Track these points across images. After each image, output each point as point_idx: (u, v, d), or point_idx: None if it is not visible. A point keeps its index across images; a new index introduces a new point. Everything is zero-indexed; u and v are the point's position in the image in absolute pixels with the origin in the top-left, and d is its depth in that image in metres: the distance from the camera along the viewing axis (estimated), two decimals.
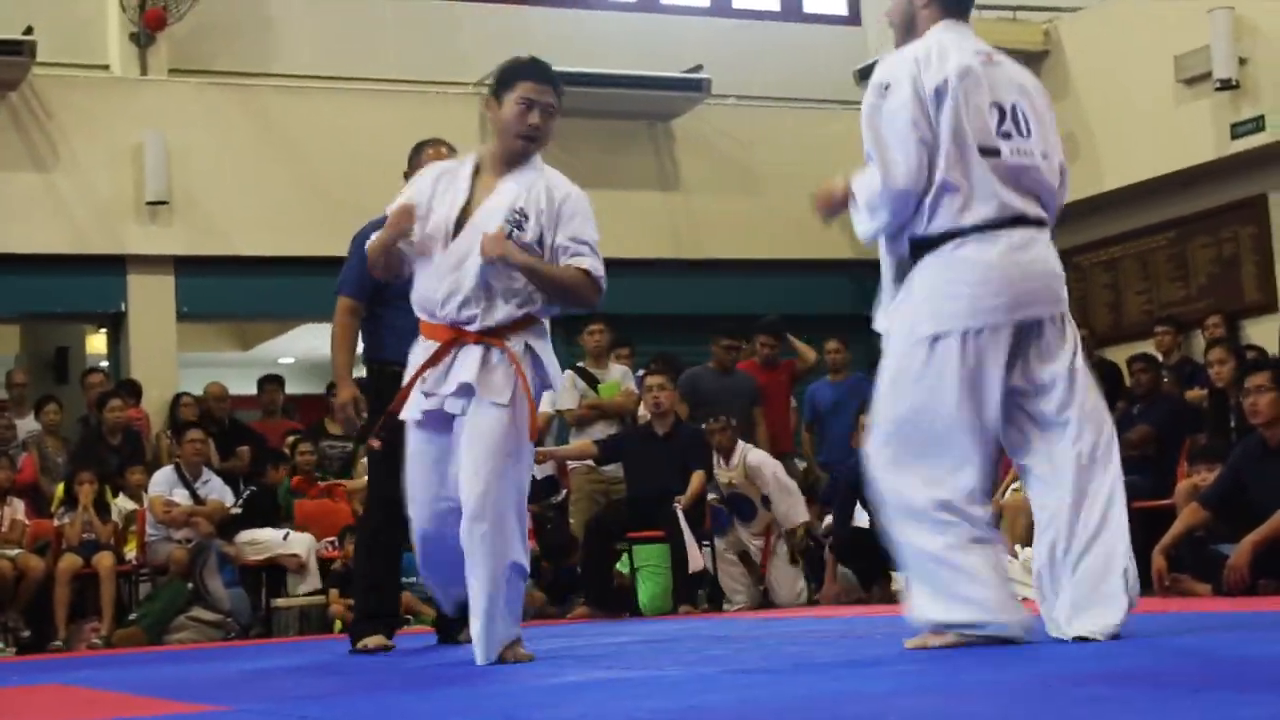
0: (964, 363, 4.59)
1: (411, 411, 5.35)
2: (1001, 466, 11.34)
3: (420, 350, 5.38)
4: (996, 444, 4.71)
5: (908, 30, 4.90)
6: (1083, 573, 4.69)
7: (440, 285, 5.28)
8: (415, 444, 5.40)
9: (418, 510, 5.43)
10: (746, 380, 12.35)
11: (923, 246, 4.68)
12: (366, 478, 8.00)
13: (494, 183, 5.38)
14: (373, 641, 6.79)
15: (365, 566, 7.14)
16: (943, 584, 4.59)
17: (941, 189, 4.63)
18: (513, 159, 5.41)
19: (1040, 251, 4.72)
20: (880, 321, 4.80)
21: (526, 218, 5.29)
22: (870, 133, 4.71)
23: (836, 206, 5.01)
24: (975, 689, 3.58)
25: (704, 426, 11.39)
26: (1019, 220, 4.67)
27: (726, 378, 12.24)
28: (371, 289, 6.83)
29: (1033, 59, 13.14)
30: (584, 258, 5.41)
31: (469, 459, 5.18)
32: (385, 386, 6.60)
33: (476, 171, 5.43)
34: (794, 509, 11.32)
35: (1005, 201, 4.65)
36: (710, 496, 11.26)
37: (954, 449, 4.62)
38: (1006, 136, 4.70)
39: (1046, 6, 13.11)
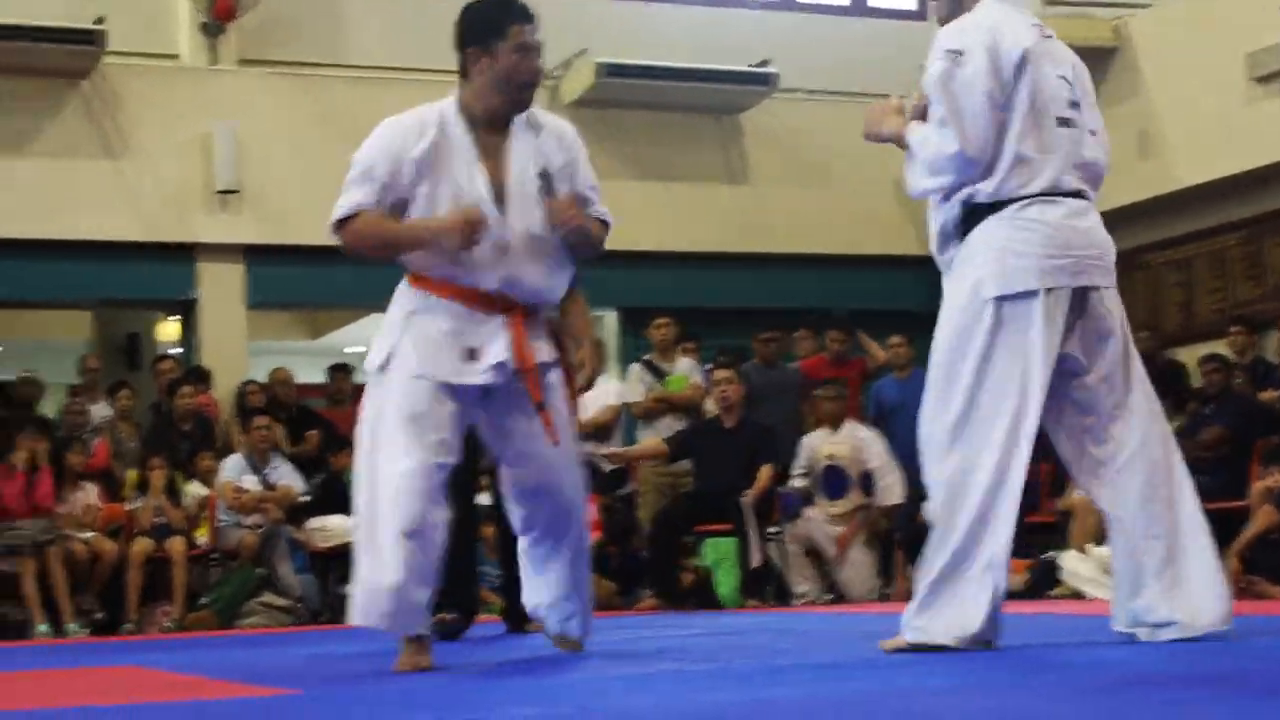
0: (1029, 325, 4.59)
1: (450, 372, 4.92)
2: None
3: (450, 313, 4.95)
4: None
5: (956, 2, 4.93)
6: (1183, 567, 4.64)
7: (487, 258, 4.91)
8: (421, 401, 4.91)
9: (406, 477, 4.90)
10: (792, 374, 12.37)
11: (984, 210, 4.68)
12: None
13: (500, 143, 5.03)
14: (444, 616, 6.62)
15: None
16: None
17: (1016, 158, 4.65)
18: (512, 112, 5.06)
19: (1095, 220, 4.78)
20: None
21: (551, 177, 5.03)
22: (945, 97, 4.68)
23: (884, 136, 4.97)
24: (1045, 689, 3.58)
25: (816, 393, 11.37)
26: (1077, 193, 4.73)
27: (772, 371, 12.26)
28: None
29: (1102, 56, 13.06)
30: (598, 205, 5.17)
31: (560, 440, 5.02)
32: None
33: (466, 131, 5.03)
34: (895, 487, 11.26)
35: (1069, 172, 4.70)
36: (797, 473, 11.23)
37: (1003, 423, 4.57)
38: (1075, 107, 4.74)
39: (1117, 2, 13.00)
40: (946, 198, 4.75)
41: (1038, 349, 4.57)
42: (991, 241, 4.64)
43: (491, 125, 5.01)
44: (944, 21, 4.95)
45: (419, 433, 4.86)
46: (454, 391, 4.91)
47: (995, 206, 4.66)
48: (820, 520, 11.22)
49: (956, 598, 4.56)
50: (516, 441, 5.06)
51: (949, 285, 4.74)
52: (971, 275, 4.65)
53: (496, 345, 4.92)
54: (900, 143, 4.87)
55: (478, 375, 4.92)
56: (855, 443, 11.30)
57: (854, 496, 11.22)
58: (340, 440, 11.97)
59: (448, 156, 4.95)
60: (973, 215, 4.68)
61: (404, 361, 4.93)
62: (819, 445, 11.35)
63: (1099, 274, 4.71)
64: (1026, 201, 4.65)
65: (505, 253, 4.92)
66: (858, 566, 11.16)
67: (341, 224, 5.06)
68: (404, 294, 5.09)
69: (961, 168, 4.65)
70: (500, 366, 4.91)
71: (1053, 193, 4.68)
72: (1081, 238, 4.68)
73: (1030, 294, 4.60)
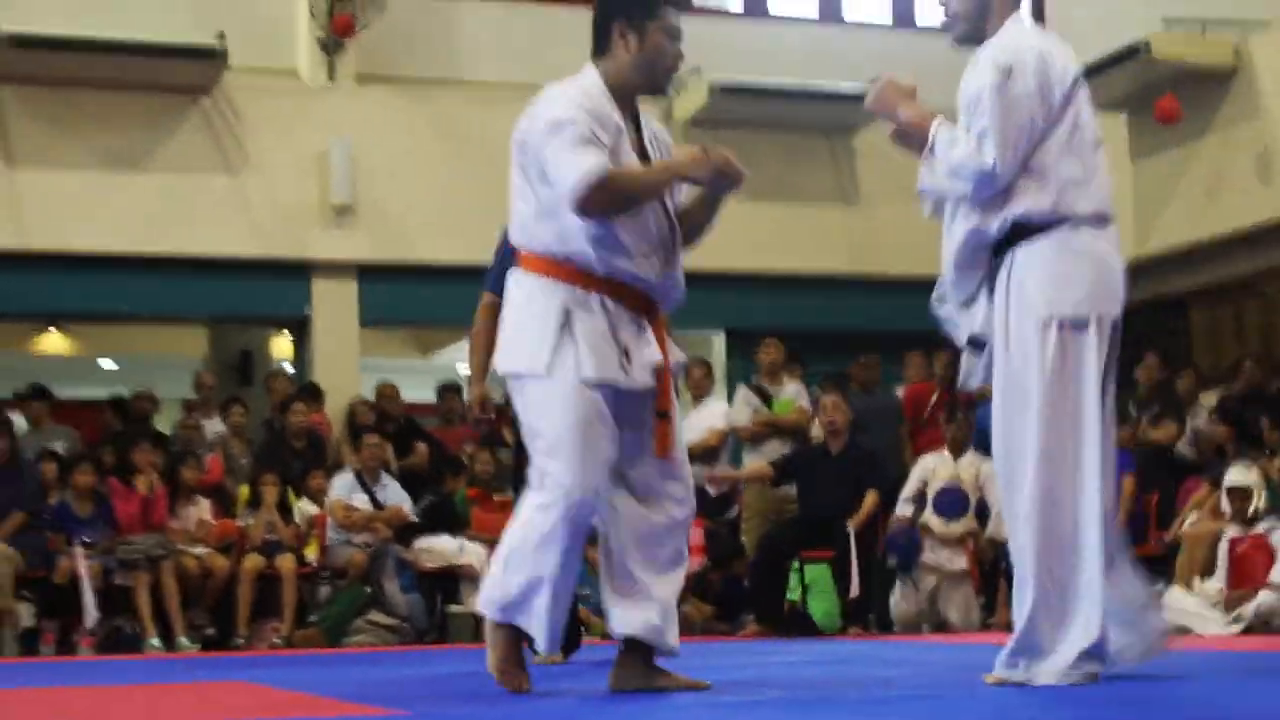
0: (1086, 351, 4.62)
1: (622, 376, 4.73)
2: (1182, 493, 11.21)
3: (605, 310, 4.75)
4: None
5: (980, 18, 4.89)
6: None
7: (654, 248, 4.81)
8: (594, 411, 4.71)
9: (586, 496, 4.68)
10: (892, 400, 12.32)
11: (1031, 229, 4.67)
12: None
13: (631, 124, 4.94)
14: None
15: None
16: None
17: (1068, 179, 4.65)
18: (647, 94, 4.99)
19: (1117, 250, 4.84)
20: (962, 318, 4.80)
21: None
22: (995, 110, 4.64)
23: (899, 118, 5.00)
24: None
25: (944, 422, 11.33)
26: (1110, 219, 4.78)
27: (870, 397, 12.23)
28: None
29: (1222, 77, 12.90)
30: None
31: (669, 453, 4.87)
32: None
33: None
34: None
35: (1108, 196, 4.75)
36: (904, 497, 11.17)
37: (1079, 452, 4.58)
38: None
39: (1237, 20, 12.83)
40: (984, 218, 4.72)
41: (1095, 375, 4.60)
42: (1047, 265, 4.64)
43: (622, 104, 4.89)
44: (962, 40, 4.94)
45: (593, 448, 4.68)
46: (616, 396, 4.74)
47: (1045, 227, 4.65)
48: (932, 544, 11.11)
49: (1054, 633, 4.52)
50: (625, 448, 4.81)
51: (998, 306, 4.70)
52: (1029, 299, 4.62)
53: (648, 347, 4.79)
54: (915, 131, 4.89)
55: (640, 378, 4.76)
56: (977, 471, 11.21)
57: (968, 520, 11.12)
58: (451, 461, 12.06)
59: (616, 136, 4.82)
60: (1020, 233, 4.67)
61: (574, 364, 4.70)
62: (937, 467, 11.26)
63: (1119, 305, 4.77)
64: (1075, 225, 4.67)
65: (666, 245, 4.85)
66: (961, 596, 11.07)
67: (589, 190, 4.64)
68: (543, 288, 4.80)
69: (986, 184, 4.65)
70: (654, 370, 4.79)
71: (1100, 217, 4.71)
72: (1119, 264, 4.77)
73: (1085, 321, 4.62)
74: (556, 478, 4.65)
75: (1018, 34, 4.79)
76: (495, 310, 6.13)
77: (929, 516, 11.09)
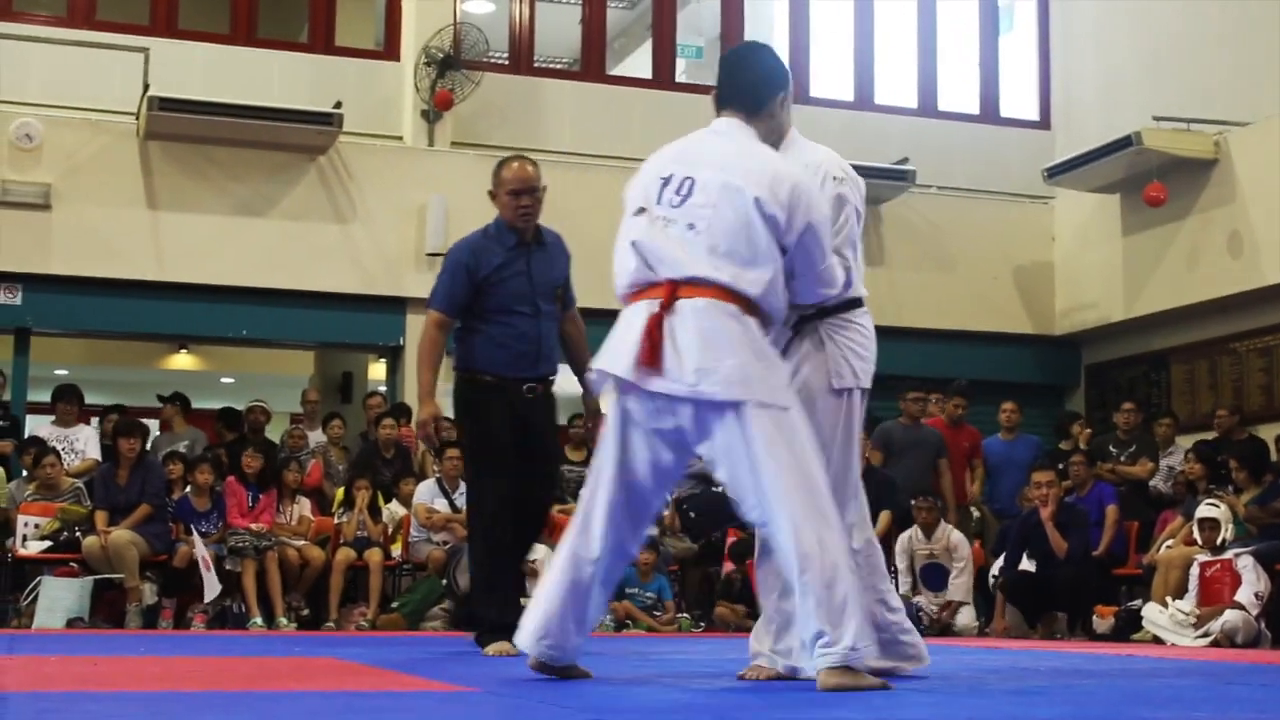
0: (857, 415, 4.72)
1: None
2: (1159, 523, 11.14)
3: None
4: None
5: (781, 133, 4.73)
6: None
7: None
8: None
9: None
10: (933, 433, 12.23)
11: (826, 311, 4.66)
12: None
13: None
14: (497, 647, 6.09)
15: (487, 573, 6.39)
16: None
17: (849, 271, 4.71)
18: None
19: None
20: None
21: None
22: (844, 229, 4.71)
23: None
24: None
25: (913, 503, 11.29)
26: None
27: (914, 430, 12.13)
28: (465, 303, 6.36)
29: (1203, 166, 12.86)
30: None
31: None
32: (476, 396, 6.32)
33: None
34: (968, 580, 11.21)
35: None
36: (897, 567, 11.14)
37: (856, 499, 4.72)
38: None
39: (1217, 120, 12.80)
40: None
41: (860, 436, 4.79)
42: (838, 340, 4.68)
43: None
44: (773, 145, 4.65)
45: None
46: None
47: (839, 309, 4.69)
48: (926, 602, 11.09)
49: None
50: None
51: (802, 379, 4.57)
52: (826, 368, 4.60)
53: None
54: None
55: None
56: (948, 544, 11.20)
57: (952, 589, 11.11)
58: None
59: None
60: (820, 312, 4.64)
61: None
62: (915, 547, 11.26)
63: None
64: (859, 309, 4.77)
65: None
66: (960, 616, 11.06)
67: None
68: (755, 327, 4.38)
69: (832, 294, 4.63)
70: None
71: (861, 302, 4.78)
72: None
73: (864, 390, 4.73)
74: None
75: (811, 145, 4.85)
76: (446, 329, 6.38)
77: (922, 594, 11.07)
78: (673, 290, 4.29)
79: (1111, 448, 12.21)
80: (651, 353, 4.24)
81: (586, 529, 4.46)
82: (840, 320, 4.70)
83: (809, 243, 4.42)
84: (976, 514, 12.55)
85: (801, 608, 4.18)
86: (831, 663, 4.12)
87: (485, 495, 6.35)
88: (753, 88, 4.62)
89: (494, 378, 6.23)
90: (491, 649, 6.10)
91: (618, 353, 4.35)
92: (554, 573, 4.53)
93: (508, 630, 5.63)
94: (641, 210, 4.48)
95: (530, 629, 4.53)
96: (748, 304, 4.31)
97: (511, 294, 6.33)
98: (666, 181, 4.46)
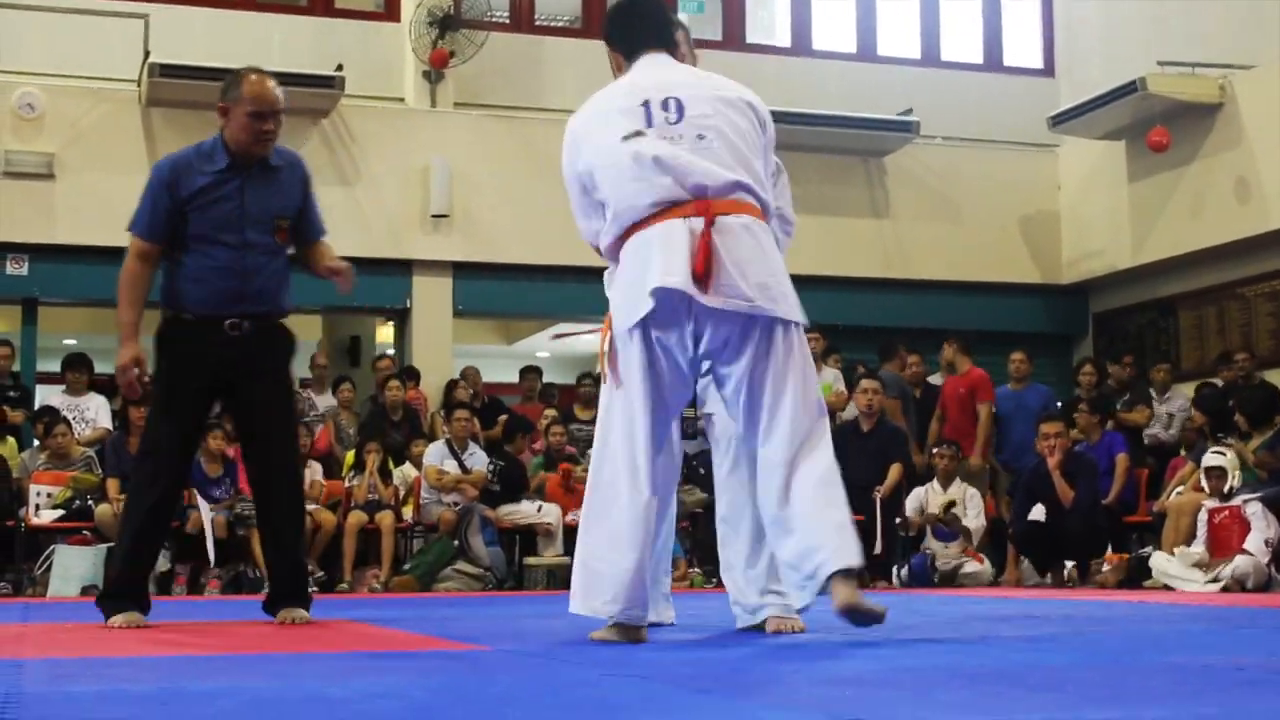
0: None
1: None
2: (1169, 469, 11.16)
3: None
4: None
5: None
6: None
7: None
8: None
9: None
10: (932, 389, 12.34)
11: None
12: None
13: None
14: (122, 619, 5.39)
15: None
16: None
17: None
18: None
19: None
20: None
21: None
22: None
23: None
24: (1160, 670, 3.50)
25: (935, 451, 11.33)
26: None
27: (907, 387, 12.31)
28: (167, 229, 5.47)
29: (1208, 111, 12.81)
30: None
31: None
32: (170, 335, 5.51)
33: None
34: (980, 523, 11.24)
35: None
36: (911, 514, 11.16)
37: None
38: None
39: (1222, 64, 12.74)
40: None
41: None
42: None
43: None
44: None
45: None
46: None
47: None
48: (939, 548, 11.13)
49: None
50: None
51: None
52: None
53: None
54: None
55: None
56: (963, 496, 11.24)
57: (962, 540, 11.13)
58: (520, 423, 12.13)
59: None
60: None
61: None
62: (929, 497, 11.28)
63: None
64: None
65: None
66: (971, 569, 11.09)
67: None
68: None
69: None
70: None
71: None
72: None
73: None
74: None
75: None
76: (149, 258, 5.48)
77: (931, 541, 11.08)
78: (708, 207, 4.24)
79: (1105, 396, 12.27)
80: (706, 268, 4.18)
81: (633, 471, 4.27)
82: None
83: (769, 151, 4.54)
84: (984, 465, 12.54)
85: (819, 520, 4.20)
86: (847, 563, 4.20)
87: (149, 444, 5.58)
88: (664, 25, 4.71)
89: (191, 316, 5.44)
90: (119, 619, 5.38)
91: (668, 268, 4.20)
92: (613, 526, 4.29)
93: (134, 599, 5.44)
94: (637, 133, 4.36)
95: (605, 594, 4.28)
96: (767, 216, 4.39)
97: (214, 222, 5.46)
98: (647, 104, 4.40)
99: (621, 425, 4.30)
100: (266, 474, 5.67)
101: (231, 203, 5.52)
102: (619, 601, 4.26)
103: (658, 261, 4.22)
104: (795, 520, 4.23)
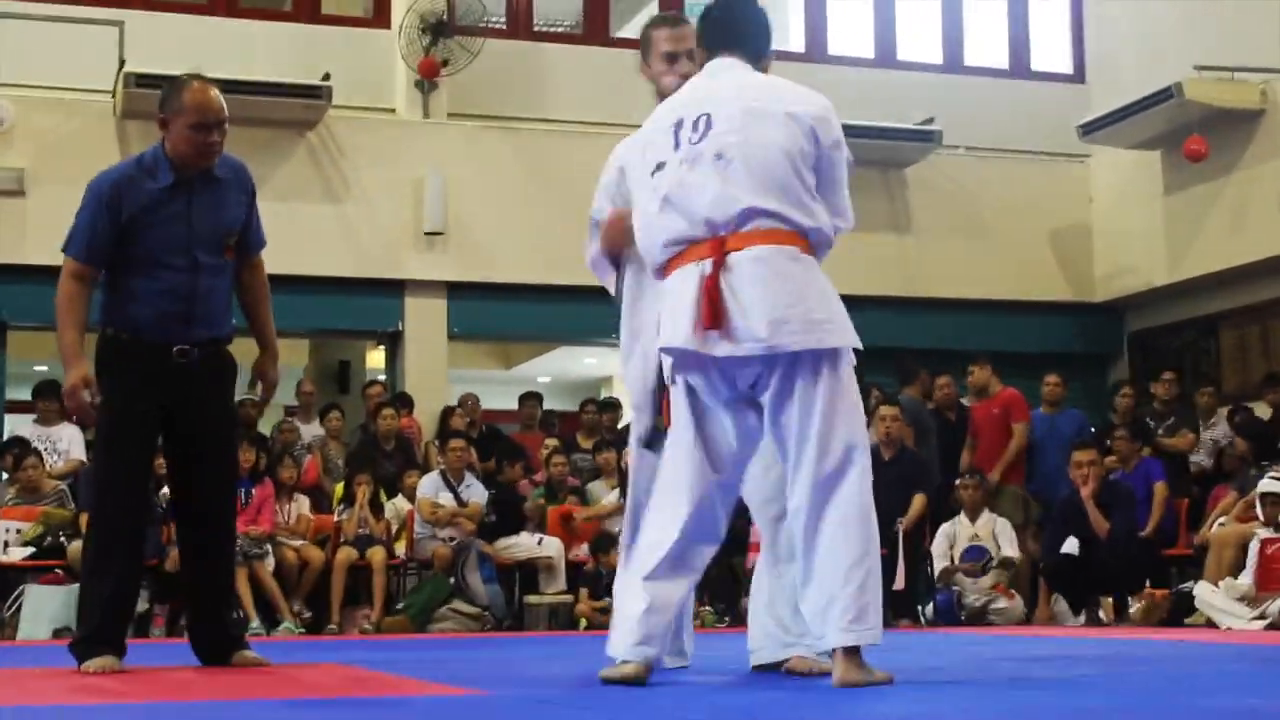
0: None
1: None
2: (1211, 499, 11.13)
3: None
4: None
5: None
6: None
7: None
8: None
9: None
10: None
11: None
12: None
13: None
14: (97, 664, 5.29)
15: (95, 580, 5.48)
16: None
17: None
18: None
19: None
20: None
21: None
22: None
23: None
24: (1200, 714, 3.48)
25: (958, 482, 11.33)
26: None
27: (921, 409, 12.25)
28: (107, 250, 5.43)
29: (1249, 118, 12.82)
30: None
31: None
32: (113, 359, 5.46)
33: None
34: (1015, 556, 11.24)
35: None
36: (937, 555, 11.15)
37: None
38: None
39: (1264, 68, 12.74)
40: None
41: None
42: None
43: None
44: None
45: None
46: None
47: None
48: (968, 584, 11.10)
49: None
50: None
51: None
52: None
53: None
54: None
55: None
56: (994, 528, 11.21)
57: (996, 573, 11.10)
58: (511, 449, 12.14)
59: None
60: None
61: None
62: (958, 531, 11.26)
63: None
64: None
65: None
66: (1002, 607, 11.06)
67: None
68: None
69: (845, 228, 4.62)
70: None
71: None
72: None
73: None
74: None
75: None
76: (86, 280, 5.44)
77: (960, 578, 11.05)
78: (720, 245, 4.24)
79: (1149, 420, 12.19)
80: (712, 315, 4.19)
81: (674, 511, 4.37)
82: None
83: (836, 159, 4.44)
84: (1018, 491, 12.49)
85: (834, 577, 4.18)
86: (851, 641, 4.17)
87: (102, 479, 5.58)
88: (756, 36, 4.66)
89: (134, 339, 5.42)
90: (93, 664, 5.28)
91: (674, 325, 4.28)
92: (642, 566, 4.37)
93: (109, 643, 5.36)
94: (661, 165, 4.41)
95: (629, 635, 4.34)
96: (801, 238, 4.32)
97: (161, 243, 5.41)
98: (679, 125, 4.42)
99: (670, 462, 4.43)
100: (204, 506, 5.63)
101: (179, 222, 5.47)
102: (627, 640, 4.32)
103: (668, 316, 4.32)
104: (814, 571, 4.24)
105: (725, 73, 4.54)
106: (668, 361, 4.37)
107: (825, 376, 4.25)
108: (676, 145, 4.38)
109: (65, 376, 5.37)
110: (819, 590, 4.21)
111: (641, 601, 4.31)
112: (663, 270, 4.41)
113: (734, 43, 4.60)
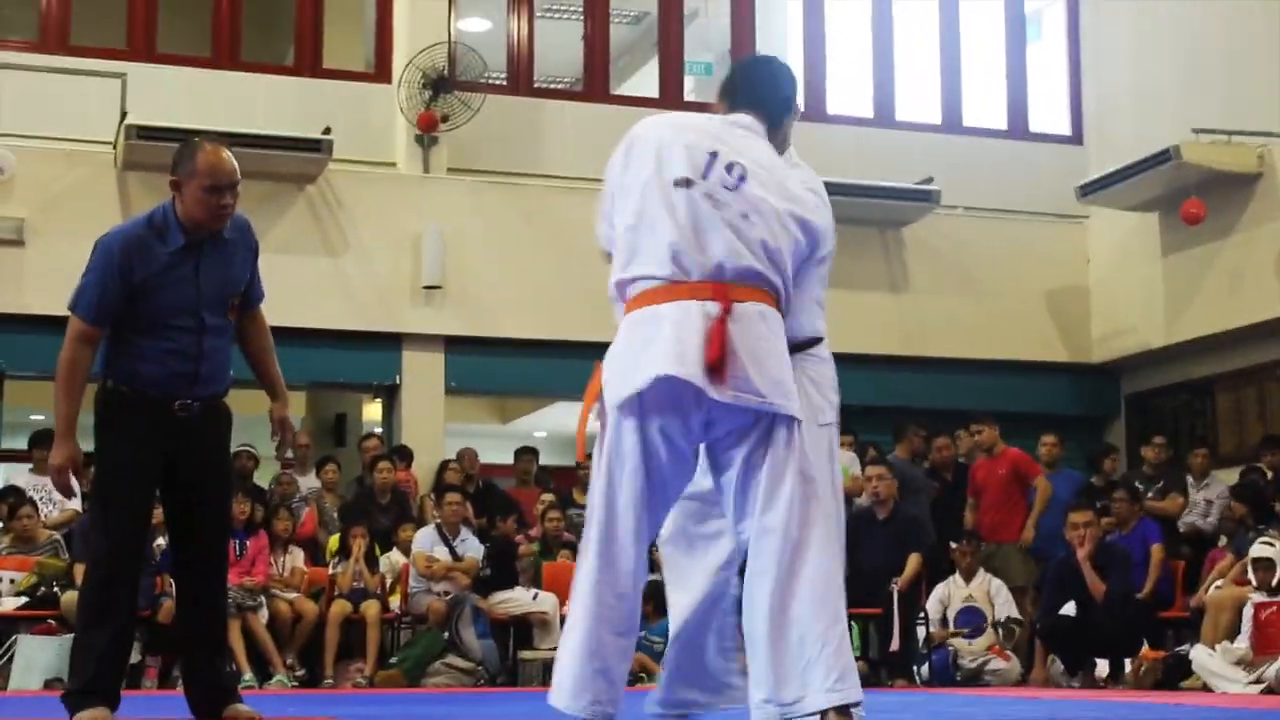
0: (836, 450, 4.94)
1: None
2: (1207, 562, 11.12)
3: None
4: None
5: (784, 149, 4.77)
6: None
7: None
8: None
9: None
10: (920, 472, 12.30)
11: (799, 346, 4.68)
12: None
13: None
14: (89, 715, 5.33)
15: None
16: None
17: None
18: None
19: None
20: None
21: None
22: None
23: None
24: None
25: (954, 547, 11.31)
26: None
27: (911, 465, 12.22)
28: (117, 312, 5.44)
29: (1246, 181, 12.86)
30: None
31: None
32: (114, 412, 5.49)
33: None
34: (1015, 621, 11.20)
35: None
36: (933, 618, 11.13)
37: None
38: None
39: (1261, 132, 12.80)
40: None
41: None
42: (812, 375, 4.86)
43: None
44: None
45: None
46: None
47: (806, 345, 4.87)
48: (963, 645, 11.06)
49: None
50: None
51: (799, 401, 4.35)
52: (810, 404, 4.68)
53: None
54: None
55: None
56: (989, 589, 11.19)
57: (990, 635, 11.06)
58: (503, 503, 12.13)
59: None
60: (794, 348, 4.56)
61: None
62: (952, 592, 11.24)
63: None
64: (822, 344, 5.04)
65: None
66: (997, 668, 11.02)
67: None
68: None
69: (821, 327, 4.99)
70: None
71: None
72: None
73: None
74: None
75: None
76: (94, 342, 5.45)
77: (956, 641, 11.02)
78: (725, 292, 4.19)
79: (1138, 484, 12.19)
80: (720, 358, 4.11)
81: (611, 561, 4.18)
82: (814, 356, 4.79)
83: (823, 273, 4.61)
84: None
85: (810, 636, 4.06)
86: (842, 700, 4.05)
87: (101, 530, 5.61)
88: (780, 100, 4.65)
89: (135, 392, 5.47)
90: (86, 716, 5.30)
91: (682, 357, 4.13)
92: (582, 618, 4.18)
93: (103, 695, 5.36)
94: (688, 182, 4.28)
95: (569, 687, 4.17)
96: (781, 315, 4.32)
97: (170, 304, 5.45)
98: (714, 157, 4.33)
99: (603, 508, 4.23)
100: (201, 556, 5.63)
101: (188, 285, 5.48)
102: (581, 697, 4.17)
103: (670, 346, 4.15)
104: (785, 636, 4.09)
105: (749, 132, 4.48)
106: (627, 390, 4.20)
107: (795, 443, 4.21)
108: (706, 174, 4.29)
109: (54, 451, 5.39)
110: (795, 655, 4.07)
111: (596, 651, 4.17)
112: (650, 294, 4.24)
113: (756, 104, 4.57)
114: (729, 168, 4.30)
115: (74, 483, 5.31)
